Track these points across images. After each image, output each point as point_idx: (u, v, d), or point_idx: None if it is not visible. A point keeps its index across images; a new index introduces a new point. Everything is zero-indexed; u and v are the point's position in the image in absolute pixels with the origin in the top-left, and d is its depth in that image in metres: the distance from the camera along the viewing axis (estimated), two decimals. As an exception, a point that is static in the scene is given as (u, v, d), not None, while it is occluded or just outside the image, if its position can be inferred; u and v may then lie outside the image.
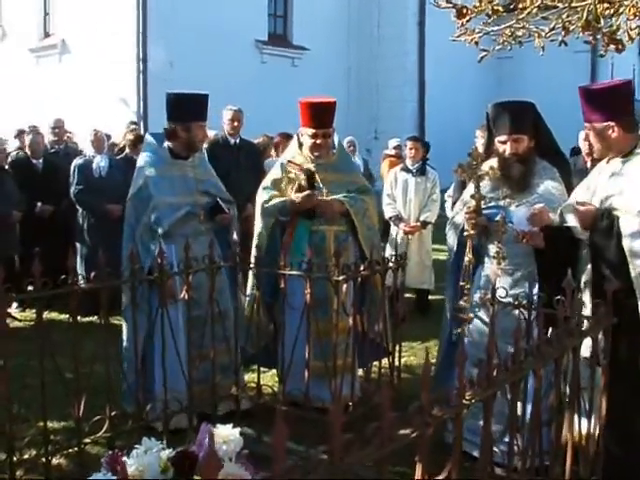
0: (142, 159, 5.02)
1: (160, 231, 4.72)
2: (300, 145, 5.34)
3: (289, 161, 5.29)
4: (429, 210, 8.38)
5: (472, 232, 4.16)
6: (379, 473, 1.63)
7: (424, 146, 8.90)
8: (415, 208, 8.39)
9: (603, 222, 3.64)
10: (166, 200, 4.82)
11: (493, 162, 4.42)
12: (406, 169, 8.57)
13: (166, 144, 5.02)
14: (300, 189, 5.13)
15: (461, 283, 4.19)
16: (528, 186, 4.37)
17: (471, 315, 4.09)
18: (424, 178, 8.43)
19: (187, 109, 4.95)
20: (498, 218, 4.16)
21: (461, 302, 4.12)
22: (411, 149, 8.59)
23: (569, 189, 4.42)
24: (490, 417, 2.09)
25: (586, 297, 3.65)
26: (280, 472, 1.31)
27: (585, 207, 3.74)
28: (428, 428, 1.72)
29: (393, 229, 8.53)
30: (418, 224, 8.35)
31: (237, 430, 2.82)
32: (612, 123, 3.70)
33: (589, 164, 8.48)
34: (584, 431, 2.85)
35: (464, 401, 1.90)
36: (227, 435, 2.85)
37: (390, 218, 8.45)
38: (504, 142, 4.39)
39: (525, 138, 4.39)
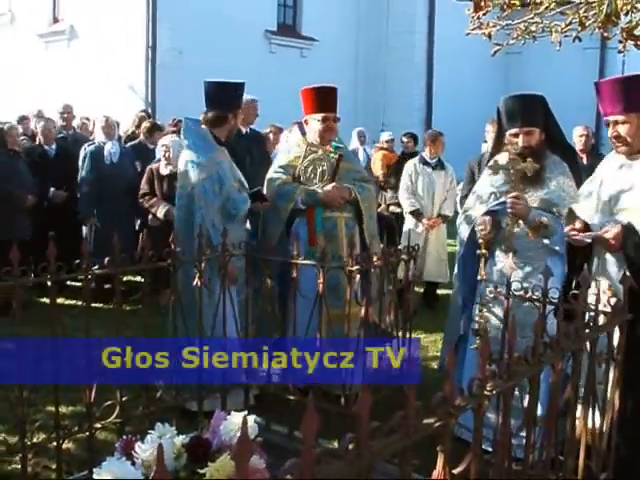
0: (196, 143, 5.02)
1: (240, 214, 4.89)
2: (303, 135, 5.37)
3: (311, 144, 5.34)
4: (448, 204, 8.44)
5: (484, 251, 4.20)
6: (403, 463, 1.63)
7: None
8: (437, 202, 8.43)
9: (636, 236, 3.57)
10: (233, 184, 4.94)
11: (503, 156, 4.40)
12: (425, 162, 8.53)
13: (207, 130, 5.04)
14: (323, 175, 5.17)
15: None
16: (540, 180, 4.35)
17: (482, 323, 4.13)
18: (443, 172, 8.45)
19: (238, 97, 5.16)
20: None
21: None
22: (433, 142, 8.54)
23: (578, 184, 4.42)
24: (509, 410, 2.09)
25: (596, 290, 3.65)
26: (309, 460, 1.30)
27: (611, 232, 3.62)
28: (451, 418, 1.72)
29: (410, 223, 8.52)
30: (440, 218, 8.41)
31: (252, 417, 2.83)
32: None
33: (585, 160, 8.53)
34: (597, 426, 2.84)
35: (485, 392, 1.90)
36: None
37: (412, 212, 8.42)
38: (516, 135, 4.37)
39: (537, 131, 4.36)
